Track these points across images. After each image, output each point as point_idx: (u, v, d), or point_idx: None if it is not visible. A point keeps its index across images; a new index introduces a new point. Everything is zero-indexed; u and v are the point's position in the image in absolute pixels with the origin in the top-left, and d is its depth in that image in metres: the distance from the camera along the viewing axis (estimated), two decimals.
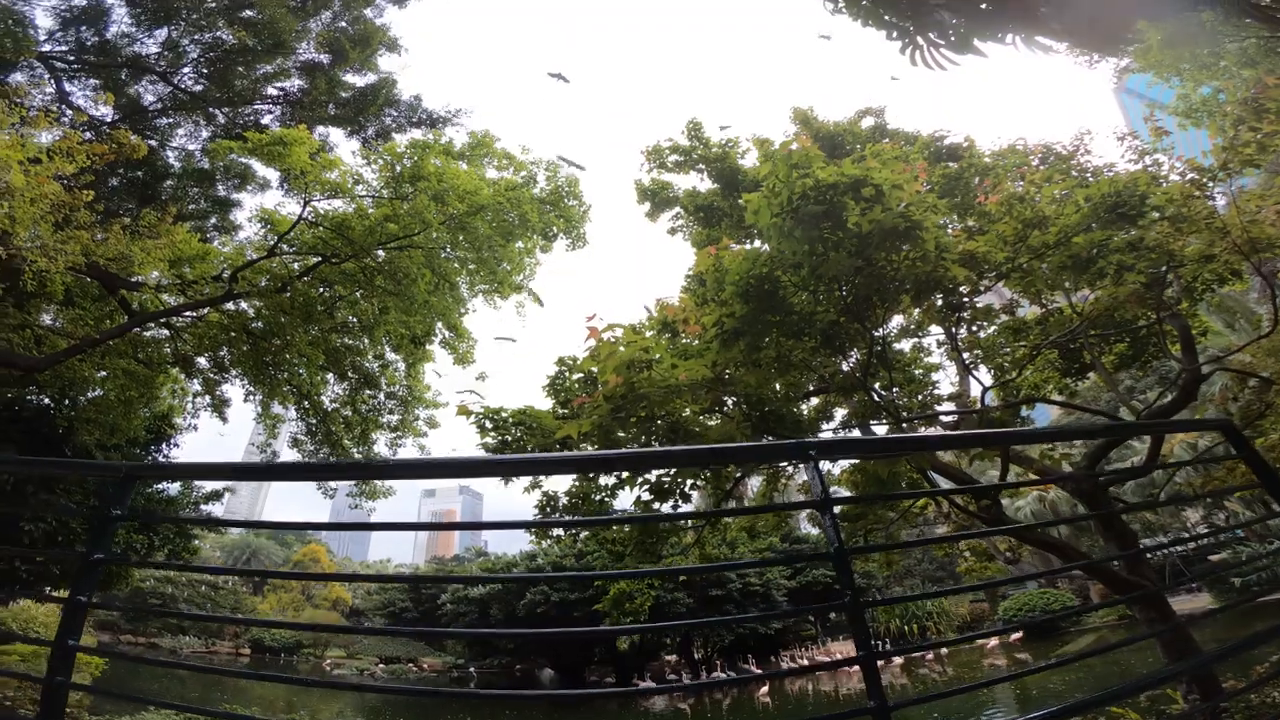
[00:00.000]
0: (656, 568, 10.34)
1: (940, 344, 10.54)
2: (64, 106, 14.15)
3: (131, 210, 14.60)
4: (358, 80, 16.80)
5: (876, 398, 8.98)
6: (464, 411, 9.35)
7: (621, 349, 6.21)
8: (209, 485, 18.88)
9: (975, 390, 10.27)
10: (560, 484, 10.82)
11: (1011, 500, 29.01)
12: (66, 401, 14.45)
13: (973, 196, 9.36)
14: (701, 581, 32.27)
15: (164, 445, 17.24)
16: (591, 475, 9.57)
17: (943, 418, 10.03)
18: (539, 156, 12.26)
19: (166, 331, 14.28)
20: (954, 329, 8.86)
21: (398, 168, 11.06)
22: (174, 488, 17.70)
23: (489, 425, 9.17)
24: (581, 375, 8.75)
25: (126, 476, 2.46)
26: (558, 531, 14.91)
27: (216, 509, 19.41)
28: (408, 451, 15.79)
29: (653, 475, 8.79)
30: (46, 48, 13.40)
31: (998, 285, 8.44)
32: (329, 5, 15.60)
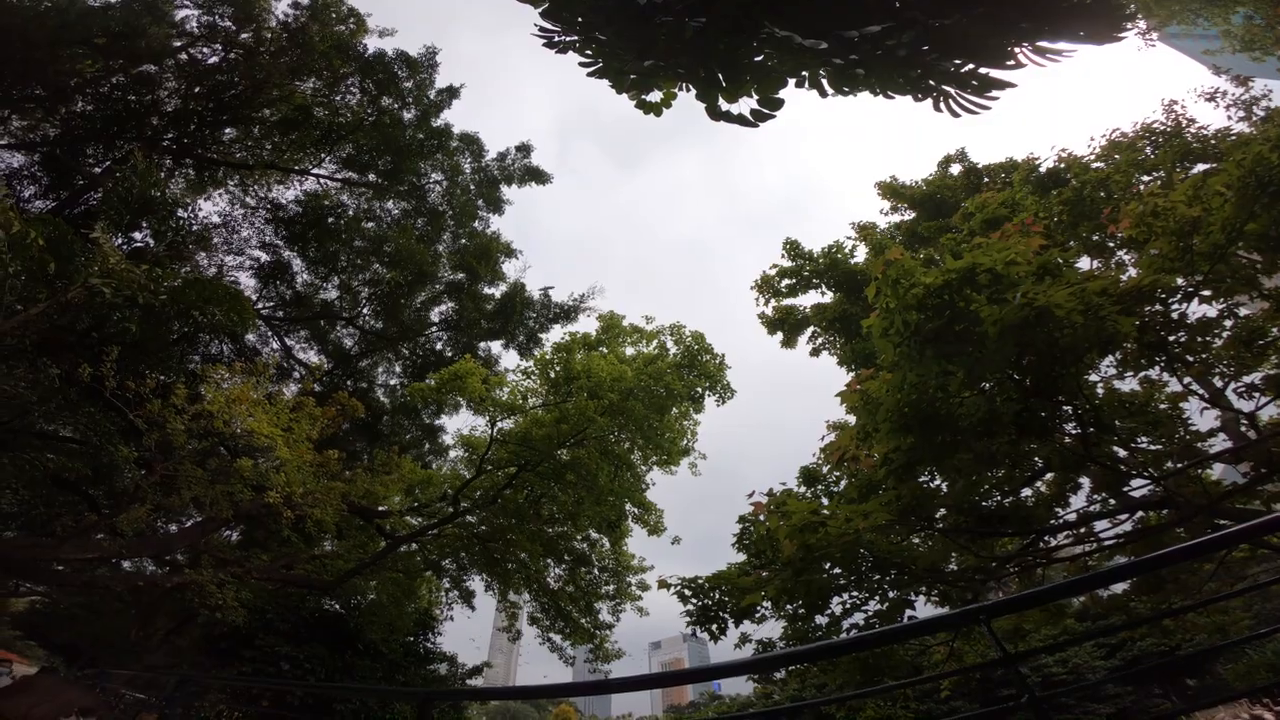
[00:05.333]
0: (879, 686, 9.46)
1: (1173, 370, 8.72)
2: (291, 361, 18.45)
3: (364, 447, 18.13)
4: (494, 291, 19.94)
5: (1120, 458, 7.63)
6: (664, 584, 9.75)
7: (792, 514, 6.15)
8: (471, 662, 23.93)
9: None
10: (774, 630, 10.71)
11: None
12: (353, 605, 17.61)
13: (1100, 213, 8.23)
14: (978, 683, 27.50)
15: (428, 634, 20.51)
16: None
17: (1211, 457, 8.07)
18: (662, 323, 13.31)
19: (415, 545, 16.91)
20: (1175, 363, 7.38)
21: (551, 373, 12.69)
22: (443, 666, 21.49)
23: (689, 593, 9.30)
24: (765, 533, 8.69)
25: (425, 700, 3.32)
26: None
27: (478, 680, 24.73)
28: (628, 614, 16.51)
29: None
30: (260, 306, 17.18)
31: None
32: (445, 227, 18.91)
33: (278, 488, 10.03)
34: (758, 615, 9.13)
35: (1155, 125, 7.79)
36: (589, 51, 3.81)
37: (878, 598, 7.78)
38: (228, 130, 15.66)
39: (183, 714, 10.84)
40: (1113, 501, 9.14)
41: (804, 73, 3.66)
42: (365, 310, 19.04)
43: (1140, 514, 9.11)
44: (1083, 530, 9.23)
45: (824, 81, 3.67)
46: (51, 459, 12.12)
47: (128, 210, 8.75)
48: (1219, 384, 7.93)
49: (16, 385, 10.03)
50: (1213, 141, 6.88)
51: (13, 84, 12.59)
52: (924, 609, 9.51)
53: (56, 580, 12.40)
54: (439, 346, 20.01)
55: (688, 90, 3.77)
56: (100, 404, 11.03)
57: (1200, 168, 6.59)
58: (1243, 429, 7.97)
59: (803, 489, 11.66)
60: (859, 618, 8.79)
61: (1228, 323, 7.46)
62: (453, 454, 19.22)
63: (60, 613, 19.20)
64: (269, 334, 18.36)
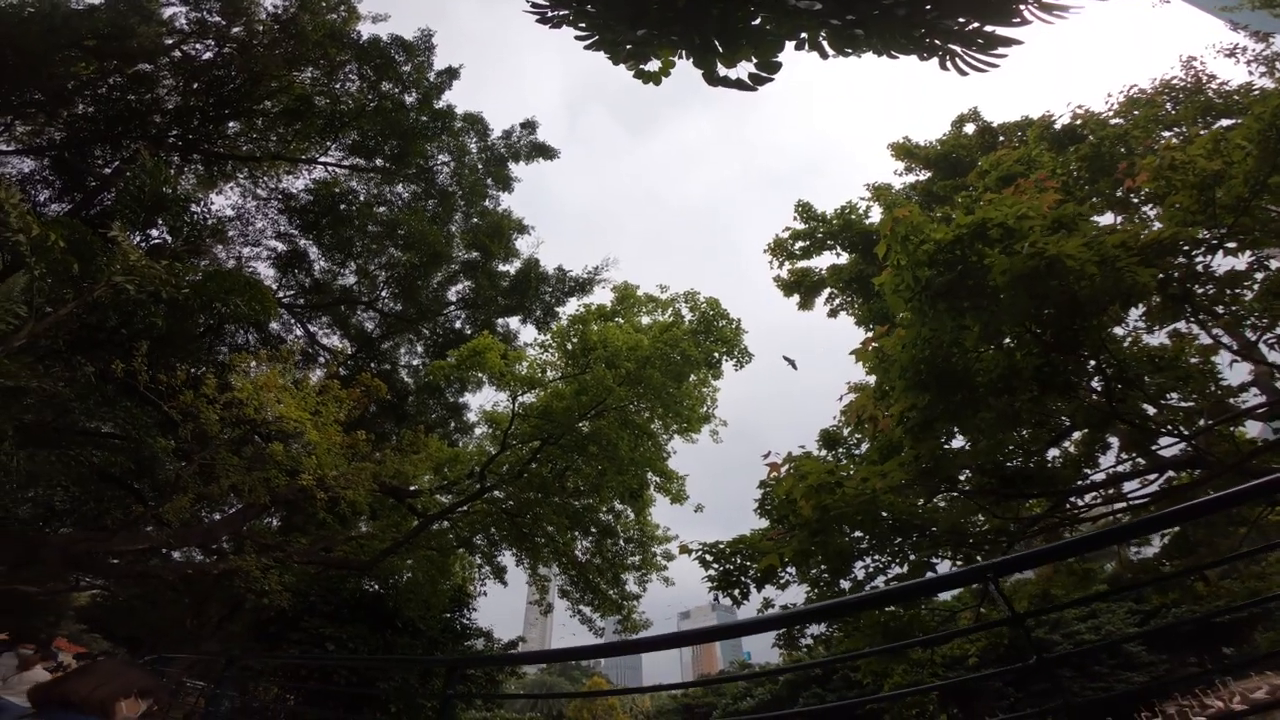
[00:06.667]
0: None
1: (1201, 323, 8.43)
2: (315, 347, 18.80)
3: (392, 428, 18.52)
4: (509, 268, 20.10)
5: (1149, 415, 7.49)
6: (685, 550, 9.88)
7: (808, 476, 6.18)
8: (506, 637, 25.62)
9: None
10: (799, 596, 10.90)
11: None
12: (390, 585, 18.17)
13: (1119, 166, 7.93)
14: (1007, 649, 27.49)
15: (464, 610, 21.11)
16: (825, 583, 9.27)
17: (1242, 413, 7.85)
18: (676, 291, 13.29)
19: (447, 523, 17.36)
20: (1203, 315, 7.15)
21: (568, 346, 12.81)
22: (479, 641, 21.98)
23: (710, 559, 9.40)
24: (784, 496, 8.73)
25: (451, 667, 3.57)
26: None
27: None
28: (657, 586, 16.86)
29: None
30: (280, 295, 17.41)
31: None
32: (455, 207, 18.94)
33: (310, 471, 10.33)
34: (781, 580, 9.19)
35: (1175, 81, 7.56)
36: (582, 24, 3.75)
37: (899, 561, 7.79)
38: (231, 124, 15.75)
39: (238, 695, 11.41)
40: (1141, 461, 8.97)
41: (802, 35, 3.57)
42: (383, 293, 19.27)
43: (1170, 474, 8.94)
44: (1111, 491, 9.09)
45: (824, 43, 3.58)
46: (96, 455, 12.60)
47: (141, 208, 8.90)
48: (1251, 336, 7.68)
49: (55, 384, 10.41)
50: (1235, 97, 6.63)
51: (11, 89, 12.74)
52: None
53: (113, 573, 13.00)
54: (458, 325, 20.24)
55: (685, 57, 3.71)
56: (136, 398, 11.40)
57: (1224, 123, 6.36)
58: (1276, 384, 7.73)
59: (823, 452, 11.65)
60: (881, 581, 8.85)
61: (1258, 275, 7.19)
62: (478, 431, 19.61)
63: (120, 605, 20.11)
64: (292, 321, 18.69)
